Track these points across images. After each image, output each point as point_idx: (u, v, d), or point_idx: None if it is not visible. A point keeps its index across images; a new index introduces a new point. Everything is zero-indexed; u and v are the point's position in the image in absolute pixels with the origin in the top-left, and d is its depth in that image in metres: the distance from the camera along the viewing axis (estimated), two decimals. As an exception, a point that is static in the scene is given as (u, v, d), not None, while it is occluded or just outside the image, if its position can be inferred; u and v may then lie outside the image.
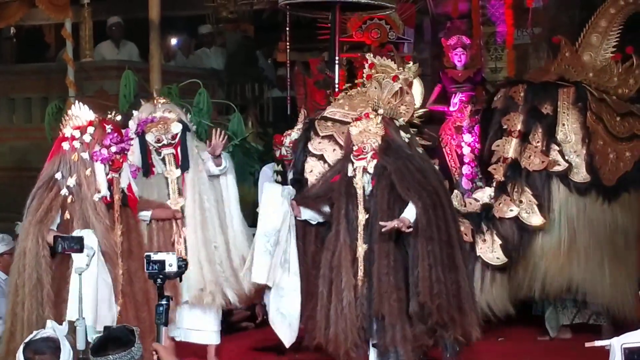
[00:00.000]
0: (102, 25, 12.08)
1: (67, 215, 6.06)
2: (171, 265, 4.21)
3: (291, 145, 7.49)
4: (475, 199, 7.51)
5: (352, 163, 6.30)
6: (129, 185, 6.31)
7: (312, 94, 10.56)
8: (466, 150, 9.13)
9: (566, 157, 7.56)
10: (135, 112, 7.13)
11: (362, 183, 6.25)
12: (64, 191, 6.08)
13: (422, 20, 11.16)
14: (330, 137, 7.30)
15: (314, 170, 7.20)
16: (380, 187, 6.18)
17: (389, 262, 6.07)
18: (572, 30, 11.59)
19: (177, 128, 6.94)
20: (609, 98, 7.83)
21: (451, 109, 9.47)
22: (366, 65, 7.21)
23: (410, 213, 6.05)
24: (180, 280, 4.44)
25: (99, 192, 6.05)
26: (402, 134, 6.40)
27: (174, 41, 14.28)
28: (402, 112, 6.79)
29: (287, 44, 10.12)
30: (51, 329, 4.00)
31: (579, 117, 7.64)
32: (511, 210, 7.43)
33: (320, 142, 7.12)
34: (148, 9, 9.84)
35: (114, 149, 6.08)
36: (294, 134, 7.52)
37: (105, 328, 4.11)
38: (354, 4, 9.03)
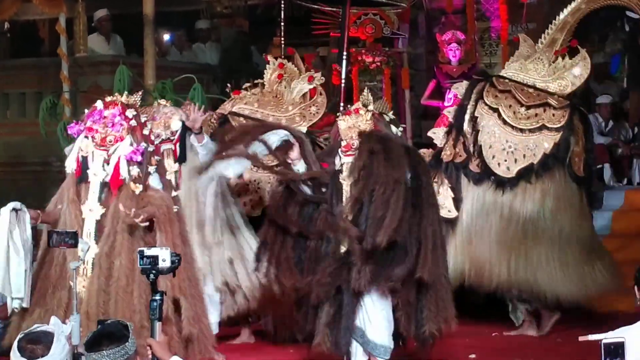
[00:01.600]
0: (97, 20, 12.09)
1: None
2: (164, 260, 4.19)
3: None
4: None
5: (339, 157, 6.18)
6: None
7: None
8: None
9: (469, 149, 7.73)
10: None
11: (350, 180, 6.07)
12: None
13: (417, 15, 11.17)
14: None
15: None
16: (359, 184, 6.03)
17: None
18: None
19: (176, 125, 6.97)
20: (519, 90, 7.85)
21: (446, 104, 9.45)
22: (275, 65, 7.74)
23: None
24: (174, 276, 4.40)
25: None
26: (393, 128, 6.38)
27: (167, 36, 14.26)
28: (312, 112, 7.18)
29: (282, 39, 10.12)
30: (53, 324, 4.00)
31: (474, 107, 7.81)
32: None
33: None
34: (142, 4, 9.83)
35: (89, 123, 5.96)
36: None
37: (99, 323, 4.10)
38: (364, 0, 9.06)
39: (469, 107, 7.81)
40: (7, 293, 5.84)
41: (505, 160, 7.73)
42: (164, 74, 9.82)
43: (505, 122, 7.78)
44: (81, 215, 5.92)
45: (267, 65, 8.19)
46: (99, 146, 5.85)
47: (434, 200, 6.22)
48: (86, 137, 5.92)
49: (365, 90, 6.52)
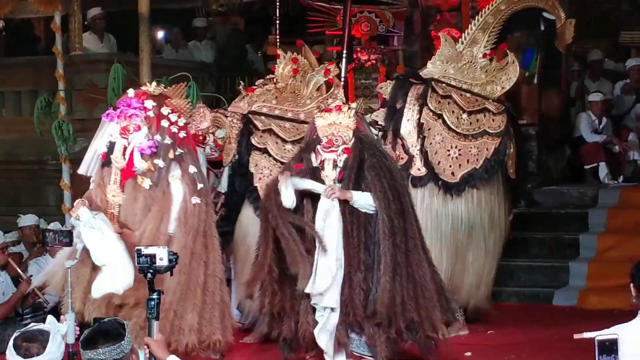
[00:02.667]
0: (92, 19, 12.08)
1: None
2: (162, 259, 4.17)
3: (215, 143, 7.55)
4: None
5: (317, 154, 6.17)
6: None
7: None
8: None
9: (410, 151, 7.76)
10: None
11: (332, 176, 6.13)
12: None
13: (412, 13, 11.15)
14: (270, 131, 7.48)
15: (258, 165, 7.33)
16: (345, 182, 6.09)
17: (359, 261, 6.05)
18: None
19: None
20: (458, 95, 7.91)
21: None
22: (286, 59, 7.74)
23: (359, 194, 6.02)
24: (172, 275, 4.39)
25: None
26: (372, 130, 6.41)
27: (161, 34, 14.25)
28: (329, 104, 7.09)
29: (277, 37, 10.11)
30: (49, 323, 4.00)
31: (419, 113, 7.80)
32: None
33: (262, 136, 7.52)
34: (137, 2, 9.81)
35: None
36: (220, 131, 7.56)
37: (96, 320, 4.10)
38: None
39: (412, 111, 7.83)
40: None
41: (450, 166, 7.83)
42: (159, 72, 9.81)
43: (449, 128, 7.86)
44: (105, 197, 5.96)
45: (278, 60, 8.14)
46: (121, 134, 5.93)
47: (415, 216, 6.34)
48: (117, 123, 6.00)
49: (341, 90, 6.54)
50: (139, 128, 5.90)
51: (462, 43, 8.24)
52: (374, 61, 10.09)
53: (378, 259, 6.01)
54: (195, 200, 5.98)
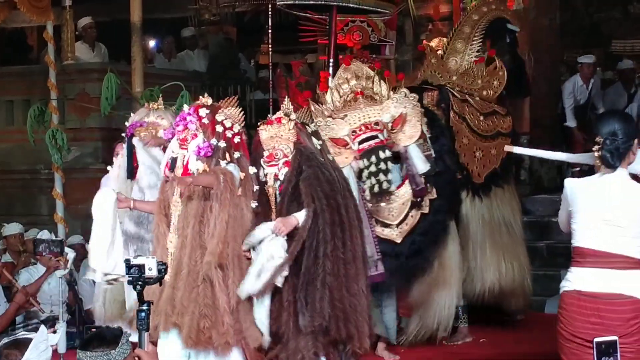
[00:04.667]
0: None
1: None
2: (151, 270, 4.17)
3: None
4: None
5: (263, 168, 6.11)
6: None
7: (294, 96, 10.56)
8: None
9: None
10: (131, 114, 7.18)
11: (274, 190, 6.06)
12: None
13: (404, 22, 11.20)
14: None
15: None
16: (285, 195, 6.01)
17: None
18: (552, 32, 11.74)
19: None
20: (472, 99, 8.02)
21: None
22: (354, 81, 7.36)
23: (301, 214, 5.91)
24: (160, 285, 4.39)
25: None
26: (315, 140, 6.23)
27: (152, 43, 14.27)
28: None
29: (269, 46, 10.13)
30: (39, 333, 4.01)
31: (442, 118, 7.81)
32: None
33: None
34: (130, 12, 9.83)
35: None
36: None
37: (98, 327, 4.12)
38: (351, 8, 9.05)
39: (440, 116, 7.81)
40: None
41: (477, 167, 7.89)
42: (151, 82, 9.82)
43: (473, 131, 7.93)
44: (168, 211, 6.03)
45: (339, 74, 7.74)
46: (181, 146, 6.00)
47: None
48: (176, 139, 6.07)
49: (286, 100, 6.48)
50: (196, 136, 5.97)
51: (445, 52, 8.30)
52: (365, 70, 10.09)
53: (309, 270, 5.89)
54: (254, 204, 6.05)
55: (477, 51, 8.35)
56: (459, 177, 7.73)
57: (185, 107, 6.15)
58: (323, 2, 8.45)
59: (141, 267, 4.17)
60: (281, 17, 10.27)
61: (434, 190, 7.21)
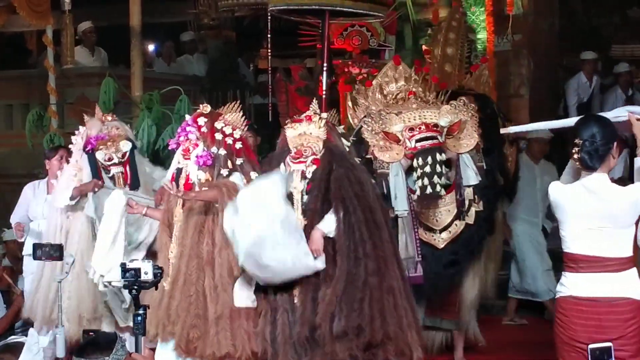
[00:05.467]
0: (83, 32, 12.08)
1: None
2: (147, 274, 4.15)
3: None
4: None
5: (287, 165, 5.97)
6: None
7: (294, 101, 10.57)
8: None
9: None
10: (81, 128, 7.18)
11: (300, 188, 5.91)
12: None
13: (403, 27, 11.20)
14: None
15: None
16: (314, 194, 5.87)
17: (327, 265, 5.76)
18: (551, 36, 11.75)
19: (126, 146, 7.05)
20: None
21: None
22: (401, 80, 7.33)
23: (325, 224, 5.77)
24: (156, 289, 4.38)
25: None
26: (344, 141, 6.14)
27: (151, 47, 14.29)
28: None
29: (269, 50, 10.12)
30: (30, 336, 4.01)
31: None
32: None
33: None
34: (129, 16, 9.84)
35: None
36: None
37: (94, 332, 4.12)
38: (344, 11, 9.05)
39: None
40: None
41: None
42: (150, 86, 9.83)
43: None
44: (171, 221, 6.06)
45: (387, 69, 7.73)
46: (184, 157, 6.05)
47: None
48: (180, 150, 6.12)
49: (314, 101, 6.39)
50: (197, 145, 5.99)
51: (436, 57, 8.28)
52: (365, 75, 10.10)
53: (352, 271, 5.75)
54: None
55: (467, 57, 8.35)
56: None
57: (187, 117, 6.16)
58: (316, 7, 8.40)
59: (137, 271, 4.15)
60: (280, 22, 10.24)
61: (481, 202, 7.13)
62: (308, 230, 5.76)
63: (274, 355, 5.74)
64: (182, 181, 6.00)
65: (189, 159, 5.99)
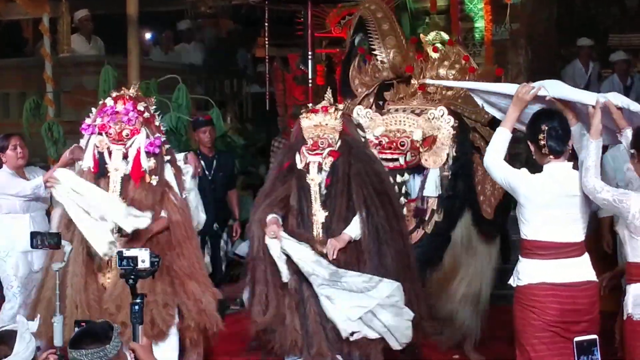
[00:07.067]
0: (80, 20, 12.05)
1: None
2: (144, 262, 4.13)
3: None
4: None
5: (302, 156, 5.92)
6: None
7: (291, 90, 10.56)
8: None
9: None
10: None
11: (318, 180, 5.88)
12: None
13: (401, 16, 11.16)
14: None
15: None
16: (337, 188, 5.85)
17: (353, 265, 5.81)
18: (549, 26, 11.72)
19: None
20: (476, 124, 7.42)
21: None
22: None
23: (353, 229, 5.81)
24: (153, 278, 4.36)
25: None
26: (360, 132, 6.14)
27: (148, 36, 14.24)
28: None
29: (266, 39, 10.11)
30: (18, 322, 3.99)
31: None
32: None
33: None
34: (126, 4, 9.81)
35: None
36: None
37: (88, 322, 4.10)
38: (325, -1, 9.06)
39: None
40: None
41: (487, 202, 7.48)
42: (147, 74, 9.81)
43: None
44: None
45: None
46: (116, 141, 5.95)
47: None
48: (100, 133, 6.00)
49: (329, 91, 6.33)
50: (138, 131, 5.95)
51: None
52: (362, 63, 10.09)
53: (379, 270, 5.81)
54: (185, 194, 6.18)
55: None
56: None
57: (109, 100, 6.05)
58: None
59: (134, 260, 4.14)
60: (278, 10, 10.22)
61: (442, 212, 6.96)
62: (328, 223, 5.82)
63: (308, 346, 5.75)
64: (118, 165, 5.95)
65: (124, 144, 5.94)
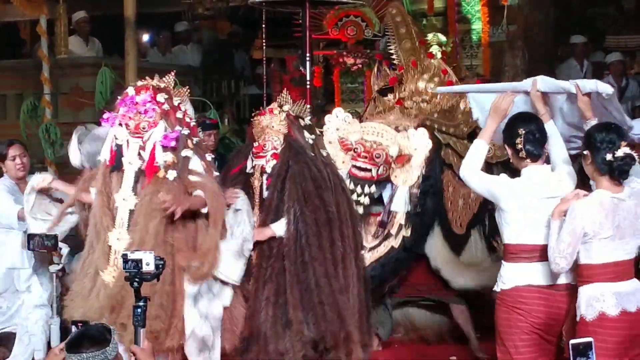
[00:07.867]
0: (77, 22, 12.04)
1: None
2: (148, 264, 4.07)
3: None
4: None
5: (252, 160, 5.96)
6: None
7: (289, 91, 10.55)
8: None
9: None
10: None
11: (260, 182, 5.91)
12: None
13: (398, 17, 11.16)
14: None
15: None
16: (271, 191, 5.86)
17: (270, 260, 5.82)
18: (546, 27, 11.73)
19: None
20: (451, 139, 7.45)
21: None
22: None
23: (278, 227, 5.81)
24: (158, 280, 4.27)
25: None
26: (306, 134, 6.05)
27: (146, 37, 14.24)
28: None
29: (263, 41, 10.11)
30: (18, 325, 4.00)
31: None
32: None
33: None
34: (123, 6, 9.81)
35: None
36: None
37: (84, 324, 4.10)
38: (324, 0, 9.03)
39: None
40: None
41: (458, 216, 7.54)
42: (145, 76, 9.71)
43: (456, 175, 7.46)
44: (114, 204, 5.68)
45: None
46: (134, 134, 5.64)
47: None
48: (120, 125, 5.69)
49: (284, 91, 6.30)
50: (156, 124, 5.62)
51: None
52: (360, 65, 10.10)
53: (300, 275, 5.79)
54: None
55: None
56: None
57: (130, 90, 5.77)
58: (295, -3, 8.39)
59: (138, 262, 4.07)
60: (275, 12, 10.22)
61: (411, 228, 6.95)
62: (262, 224, 5.83)
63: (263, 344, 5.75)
64: (132, 159, 5.64)
65: (141, 137, 5.62)
